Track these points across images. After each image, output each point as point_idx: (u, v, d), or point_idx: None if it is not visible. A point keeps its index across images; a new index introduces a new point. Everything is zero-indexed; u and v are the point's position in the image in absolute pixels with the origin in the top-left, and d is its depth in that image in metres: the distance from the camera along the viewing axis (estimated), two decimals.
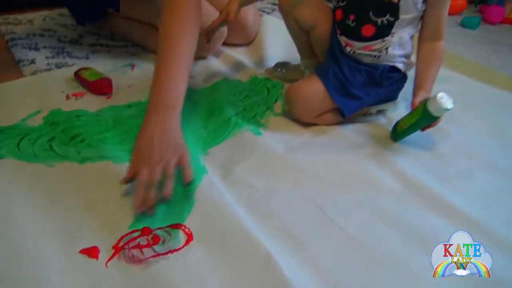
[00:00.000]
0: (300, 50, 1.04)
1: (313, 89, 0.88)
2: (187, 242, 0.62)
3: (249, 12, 1.23)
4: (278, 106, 0.98)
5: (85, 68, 1.04)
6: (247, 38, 1.26)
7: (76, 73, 1.03)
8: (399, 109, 0.97)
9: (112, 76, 1.03)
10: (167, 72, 0.75)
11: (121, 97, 0.98)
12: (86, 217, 0.66)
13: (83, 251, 0.60)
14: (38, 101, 0.95)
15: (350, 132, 0.89)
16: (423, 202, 0.72)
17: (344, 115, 0.89)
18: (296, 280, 0.57)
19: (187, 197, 0.70)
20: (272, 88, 1.04)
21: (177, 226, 0.64)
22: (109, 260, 0.59)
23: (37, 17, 1.38)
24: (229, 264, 0.59)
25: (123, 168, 0.71)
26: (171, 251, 0.61)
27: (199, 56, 1.15)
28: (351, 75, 0.88)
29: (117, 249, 0.61)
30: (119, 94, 0.99)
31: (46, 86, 1.01)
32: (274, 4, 1.69)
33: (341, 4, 0.86)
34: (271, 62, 1.13)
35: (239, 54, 1.20)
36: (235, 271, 0.58)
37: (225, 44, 1.21)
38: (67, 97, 0.97)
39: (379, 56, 0.86)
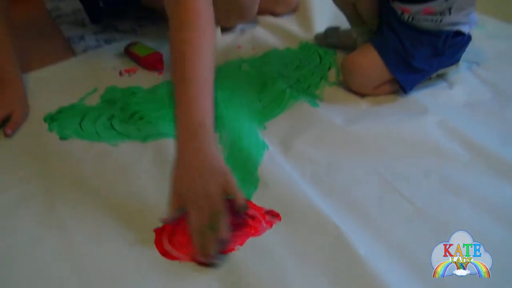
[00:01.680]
0: (349, 20, 0.98)
1: (371, 62, 0.85)
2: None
3: None
4: (332, 74, 0.95)
5: (134, 43, 1.05)
6: (289, 6, 1.20)
7: (127, 49, 1.04)
8: (460, 70, 0.92)
9: (161, 50, 1.03)
10: (189, 86, 0.65)
11: None
12: (153, 197, 0.68)
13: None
14: (93, 79, 0.97)
15: (410, 99, 0.86)
16: (494, 170, 0.69)
17: (405, 90, 0.85)
18: (369, 255, 0.57)
19: (250, 174, 0.70)
20: (324, 55, 1.01)
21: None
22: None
23: None
24: (299, 242, 0.60)
25: None
26: None
27: (236, 23, 1.12)
28: (412, 48, 0.83)
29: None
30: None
31: (98, 63, 1.03)
32: None
33: None
34: (321, 27, 1.09)
35: (286, 22, 1.16)
36: (306, 249, 0.59)
37: (269, 14, 1.19)
38: (120, 73, 0.99)
39: (441, 19, 0.81)
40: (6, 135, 0.81)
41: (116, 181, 0.71)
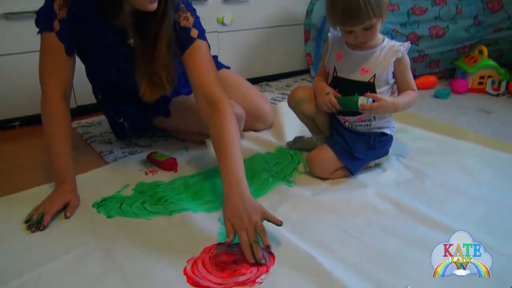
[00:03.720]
0: (310, 130, 1.38)
1: (327, 155, 1.22)
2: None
3: (265, 105, 1.62)
4: (301, 167, 1.32)
5: (154, 152, 1.40)
6: (267, 124, 1.63)
7: (148, 156, 1.38)
8: (391, 161, 1.31)
9: (173, 156, 1.38)
10: (230, 161, 1.03)
11: (184, 170, 1.33)
12: (179, 248, 0.96)
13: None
14: (125, 179, 1.29)
15: (357, 180, 1.23)
16: (413, 219, 1.03)
17: (352, 173, 1.22)
18: (333, 270, 0.86)
19: None
20: (294, 155, 1.39)
21: None
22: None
23: (103, 120, 1.75)
24: (287, 268, 0.89)
25: (200, 215, 1.07)
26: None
27: None
28: (353, 144, 1.22)
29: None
30: (182, 168, 1.34)
31: (127, 167, 1.36)
32: (283, 94, 2.11)
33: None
34: (290, 137, 1.49)
35: (264, 135, 1.58)
36: (290, 268, 0.88)
37: (251, 131, 1.60)
38: (146, 173, 1.32)
39: (370, 124, 1.22)
40: (66, 217, 1.10)
41: (153, 239, 1.00)
